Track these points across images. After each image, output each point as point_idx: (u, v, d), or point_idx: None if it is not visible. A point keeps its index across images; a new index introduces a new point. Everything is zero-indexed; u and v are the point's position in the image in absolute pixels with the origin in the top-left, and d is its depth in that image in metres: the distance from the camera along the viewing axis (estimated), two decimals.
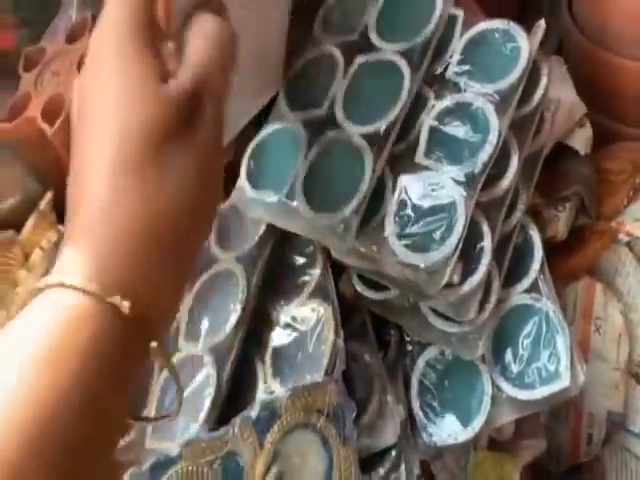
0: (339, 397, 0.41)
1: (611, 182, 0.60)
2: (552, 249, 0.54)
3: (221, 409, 0.44)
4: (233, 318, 0.47)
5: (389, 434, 0.45)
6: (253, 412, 0.40)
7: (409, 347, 0.50)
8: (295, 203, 0.46)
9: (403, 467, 0.45)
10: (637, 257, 0.58)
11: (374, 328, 0.50)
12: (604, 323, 0.56)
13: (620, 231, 0.57)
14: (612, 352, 0.56)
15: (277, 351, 0.45)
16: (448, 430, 0.47)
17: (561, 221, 0.55)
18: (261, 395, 0.43)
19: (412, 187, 0.45)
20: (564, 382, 0.46)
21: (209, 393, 0.43)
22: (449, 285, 0.44)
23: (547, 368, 0.46)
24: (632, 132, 0.66)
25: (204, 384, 0.44)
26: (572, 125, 0.58)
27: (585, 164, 0.58)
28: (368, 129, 0.46)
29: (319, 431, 0.40)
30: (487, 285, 0.46)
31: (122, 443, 0.45)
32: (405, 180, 0.46)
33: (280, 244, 0.51)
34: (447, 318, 0.47)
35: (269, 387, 0.43)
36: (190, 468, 0.38)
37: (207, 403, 0.43)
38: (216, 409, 0.43)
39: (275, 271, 0.50)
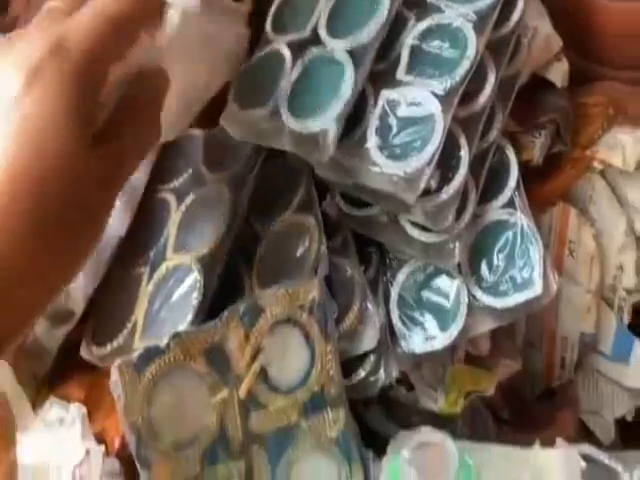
0: (321, 295, 0.43)
1: (586, 115, 0.61)
2: (528, 174, 0.56)
3: (208, 314, 0.46)
4: (219, 233, 0.48)
5: (369, 338, 0.46)
6: (240, 306, 0.41)
7: (389, 263, 0.52)
8: (280, 118, 0.47)
9: (382, 370, 0.47)
10: (609, 185, 0.60)
11: (356, 247, 0.52)
12: (577, 246, 0.58)
13: (594, 159, 0.59)
14: (584, 275, 0.58)
15: (264, 262, 0.47)
16: (426, 337, 0.48)
17: (537, 146, 0.56)
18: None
19: (393, 101, 0.47)
20: (537, 289, 0.48)
21: (196, 297, 0.45)
22: (427, 193, 0.46)
23: (521, 276, 0.48)
24: (608, 73, 0.67)
25: (191, 289, 0.45)
26: (549, 57, 0.60)
27: (562, 96, 0.60)
28: (350, 43, 0.47)
29: (301, 326, 0.42)
30: (464, 196, 0.48)
31: (109, 348, 0.46)
32: (386, 94, 0.47)
33: (266, 164, 0.52)
34: (425, 230, 0.49)
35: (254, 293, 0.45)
36: (178, 357, 0.40)
37: (194, 304, 0.44)
38: (203, 311, 0.45)
39: (261, 190, 0.52)
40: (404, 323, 0.49)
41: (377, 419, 0.52)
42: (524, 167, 0.55)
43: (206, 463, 0.40)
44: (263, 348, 0.41)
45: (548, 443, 0.48)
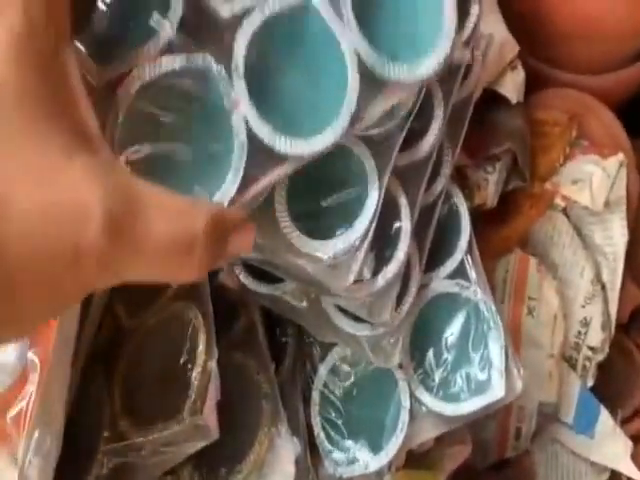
0: None
1: (546, 135, 0.51)
2: (480, 217, 0.45)
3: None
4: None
5: (282, 475, 0.34)
6: None
7: (310, 350, 0.40)
8: None
9: None
10: (574, 225, 0.49)
11: (267, 328, 0.40)
12: (538, 304, 0.48)
13: (556, 195, 0.48)
14: (546, 337, 0.48)
15: (129, 376, 0.34)
16: (356, 457, 0.37)
17: (490, 185, 0.45)
18: (105, 443, 0.31)
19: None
20: (498, 393, 0.37)
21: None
22: (358, 280, 0.34)
23: (477, 376, 0.37)
24: (567, 77, 0.56)
25: None
26: (502, 68, 0.48)
27: (517, 115, 0.49)
28: None
29: None
30: (406, 274, 0.36)
31: None
32: None
33: None
34: (356, 318, 0.37)
35: (118, 429, 0.32)
36: None
37: None
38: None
39: None
40: (328, 436, 0.38)
41: None
42: (474, 212, 0.44)
43: None
44: None
45: None
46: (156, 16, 0.28)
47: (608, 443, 0.50)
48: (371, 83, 0.30)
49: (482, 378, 0.37)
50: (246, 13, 0.28)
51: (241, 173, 0.28)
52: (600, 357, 0.51)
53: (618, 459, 0.49)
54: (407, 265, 0.36)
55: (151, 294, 0.37)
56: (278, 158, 0.29)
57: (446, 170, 0.39)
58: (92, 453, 0.33)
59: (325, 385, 0.39)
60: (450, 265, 0.40)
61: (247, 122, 0.28)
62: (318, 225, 0.33)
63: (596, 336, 0.50)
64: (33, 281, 0.20)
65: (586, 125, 0.51)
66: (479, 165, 0.46)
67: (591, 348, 0.50)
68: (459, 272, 0.40)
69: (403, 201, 0.36)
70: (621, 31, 0.56)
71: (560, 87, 0.55)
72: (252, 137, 0.28)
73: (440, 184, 0.39)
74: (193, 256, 0.23)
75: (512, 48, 0.48)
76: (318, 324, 0.38)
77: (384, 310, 0.35)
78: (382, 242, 0.35)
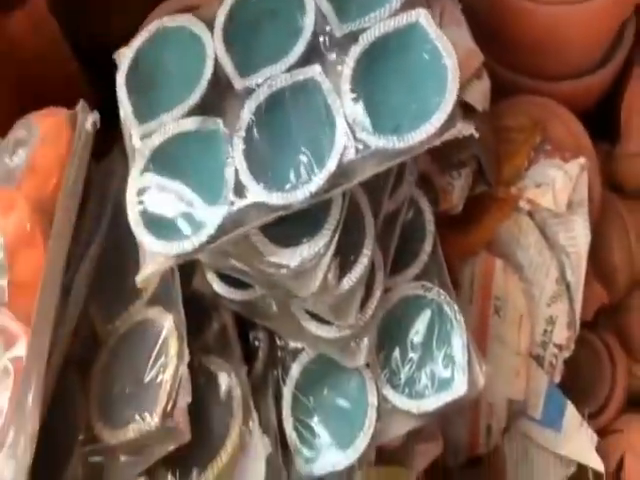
0: None
1: (511, 141, 0.52)
2: (446, 222, 0.46)
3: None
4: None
5: (254, 473, 0.36)
6: None
7: (281, 353, 0.41)
8: None
9: None
10: (539, 227, 0.51)
11: (238, 330, 0.41)
12: (504, 304, 0.49)
13: (521, 198, 0.50)
14: (513, 335, 0.50)
15: (103, 379, 0.35)
16: (327, 454, 0.38)
17: (456, 190, 0.47)
18: (79, 445, 0.32)
19: None
20: (460, 389, 0.38)
21: None
22: (324, 285, 0.35)
23: (441, 373, 0.39)
24: (532, 84, 0.58)
25: None
26: (468, 76, 0.50)
27: (482, 121, 0.50)
28: None
29: None
30: (370, 278, 0.38)
31: None
32: None
33: (110, 236, 0.40)
34: (323, 321, 0.38)
35: (92, 431, 0.33)
36: None
37: None
38: None
39: (105, 268, 0.39)
40: (300, 434, 0.39)
41: None
42: (439, 216, 0.45)
43: None
44: None
45: None
46: None
47: (575, 437, 0.51)
48: None
49: (446, 375, 0.39)
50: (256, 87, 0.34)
51: (221, 216, 0.33)
52: (566, 354, 0.52)
53: (584, 452, 0.51)
54: (371, 269, 0.38)
55: (125, 300, 0.38)
56: (263, 208, 0.33)
57: (410, 177, 0.41)
58: (67, 455, 0.34)
59: (297, 386, 0.40)
60: (415, 268, 0.41)
61: (237, 173, 0.33)
62: (284, 233, 0.35)
63: (562, 334, 0.51)
64: None
65: (550, 129, 0.53)
66: (445, 171, 0.47)
67: (557, 346, 0.52)
68: (424, 274, 0.41)
69: (367, 208, 0.37)
70: (584, 40, 0.58)
71: (525, 94, 0.57)
72: (240, 189, 0.33)
73: (404, 190, 0.40)
74: None
75: (477, 57, 0.50)
76: (288, 327, 0.40)
77: (349, 313, 0.36)
78: (346, 248, 0.36)
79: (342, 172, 0.32)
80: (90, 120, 0.37)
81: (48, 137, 0.35)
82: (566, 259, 0.51)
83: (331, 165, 0.32)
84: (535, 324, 0.51)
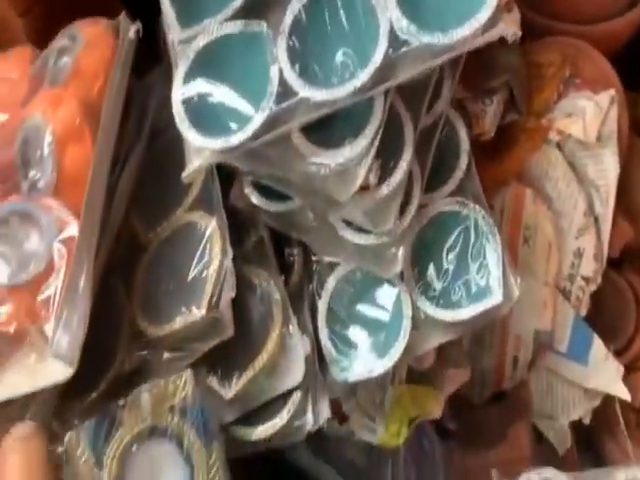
0: (195, 389, 0.31)
1: (541, 76, 0.52)
2: (479, 151, 0.47)
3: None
4: None
5: (293, 372, 0.36)
6: (87, 423, 0.30)
7: (315, 267, 0.42)
8: None
9: (310, 411, 0.37)
10: (567, 159, 0.51)
11: (274, 247, 0.42)
12: (533, 233, 0.50)
13: (551, 129, 0.50)
14: (541, 265, 0.50)
15: (147, 281, 0.36)
16: (362, 362, 0.39)
17: (488, 116, 0.47)
18: (125, 341, 0.33)
19: None
20: (496, 298, 0.39)
21: None
22: (363, 188, 0.36)
23: (476, 282, 0.39)
24: (562, 27, 0.58)
25: None
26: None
27: (513, 53, 0.50)
28: None
29: (173, 435, 0.31)
30: (408, 187, 0.38)
31: None
32: None
33: (154, 145, 0.40)
34: (360, 230, 0.39)
35: (137, 328, 0.34)
36: None
37: None
38: None
39: (146, 182, 0.40)
40: (335, 345, 0.40)
41: (302, 456, 0.43)
42: (473, 142, 0.45)
43: None
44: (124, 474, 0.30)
45: (502, 464, 0.40)
46: None
47: (601, 369, 0.52)
48: None
49: (481, 286, 0.39)
50: None
51: (266, 113, 0.33)
52: (593, 287, 0.53)
53: (611, 383, 0.51)
54: (409, 179, 0.38)
55: (166, 209, 0.38)
56: (307, 105, 0.33)
57: (446, 91, 0.41)
58: (113, 353, 0.35)
59: (332, 299, 0.41)
60: (450, 184, 0.42)
61: (282, 73, 0.33)
62: (326, 135, 0.35)
63: (589, 266, 0.52)
64: None
65: (579, 65, 0.53)
66: (477, 97, 0.47)
67: (584, 278, 0.52)
68: (459, 191, 0.42)
69: (406, 117, 0.38)
70: None
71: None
72: (284, 87, 0.33)
73: (441, 106, 0.41)
74: None
75: None
76: (325, 239, 0.40)
77: (387, 219, 0.37)
78: (386, 154, 0.36)
79: (386, 69, 0.33)
80: (133, 29, 0.37)
81: (92, 43, 0.36)
82: (595, 192, 0.52)
83: (376, 61, 0.32)
84: (563, 257, 0.52)
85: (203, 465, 0.30)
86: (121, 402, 0.30)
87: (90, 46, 0.36)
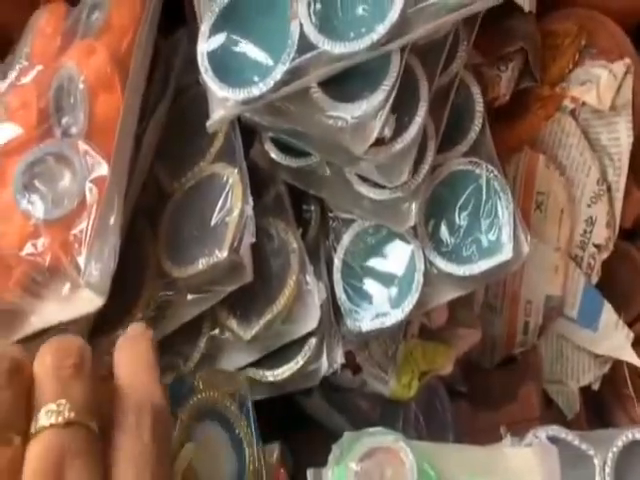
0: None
1: (556, 45, 0.53)
2: (493, 116, 0.48)
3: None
4: None
5: (309, 318, 0.38)
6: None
7: (332, 223, 0.43)
8: None
9: (324, 356, 0.39)
10: (581, 127, 0.52)
11: (292, 203, 0.43)
12: (546, 199, 0.51)
13: (565, 97, 0.51)
14: (553, 231, 0.51)
15: (172, 226, 0.37)
16: (375, 312, 0.40)
17: (503, 81, 0.48)
18: (151, 282, 0.35)
19: None
20: (506, 254, 0.40)
21: None
22: (378, 142, 0.37)
23: (487, 239, 0.40)
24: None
25: None
26: None
27: (529, 21, 0.51)
28: None
29: (228, 421, 0.32)
30: (422, 144, 0.39)
31: None
32: None
33: (178, 100, 0.42)
34: (375, 185, 0.40)
35: (162, 270, 0.36)
36: None
37: None
38: None
39: (171, 134, 0.42)
40: (349, 296, 0.41)
41: (317, 405, 0.45)
42: (487, 107, 0.46)
43: None
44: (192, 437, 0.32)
45: (511, 424, 0.41)
46: None
47: (611, 335, 0.53)
48: None
49: (492, 241, 0.40)
50: None
51: (287, 65, 0.34)
52: (604, 255, 0.54)
53: (621, 349, 0.52)
54: (423, 136, 0.40)
55: (190, 161, 0.40)
56: (326, 58, 0.34)
57: (461, 53, 0.42)
58: (139, 292, 0.37)
59: (347, 253, 0.42)
60: (464, 145, 0.43)
61: (302, 27, 0.34)
62: (344, 90, 0.37)
63: (601, 234, 0.53)
64: None
65: (595, 35, 0.54)
66: (493, 63, 0.48)
67: (596, 246, 0.53)
68: (472, 151, 0.43)
69: (421, 74, 0.39)
70: None
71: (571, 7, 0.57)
72: (304, 41, 0.34)
73: (456, 65, 0.42)
74: None
75: None
76: (341, 194, 0.42)
77: (402, 173, 0.38)
78: (401, 110, 0.38)
79: (403, 24, 0.34)
80: None
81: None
82: (608, 160, 0.52)
83: (393, 16, 0.34)
84: (575, 224, 0.53)
85: (253, 454, 0.31)
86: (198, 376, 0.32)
87: (121, 2, 0.37)
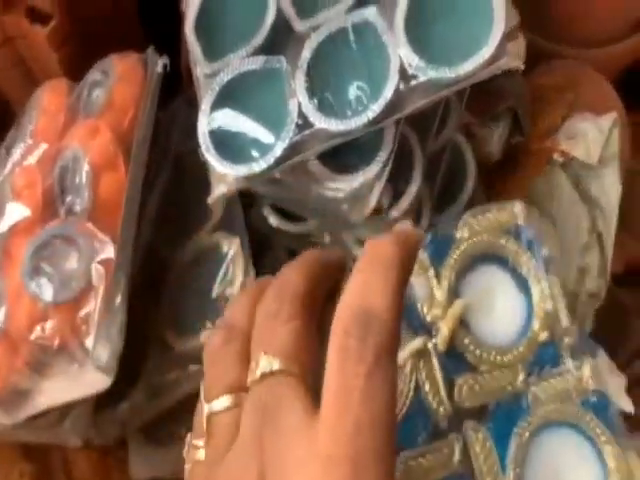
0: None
1: (545, 99, 0.55)
2: (485, 173, 0.49)
3: None
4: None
5: None
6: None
7: None
8: None
9: None
10: (572, 180, 0.53)
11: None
12: None
13: (554, 150, 0.52)
14: None
15: (174, 299, 0.38)
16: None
17: (494, 139, 0.49)
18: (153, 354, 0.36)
19: None
20: None
21: None
22: (376, 211, 0.38)
23: None
24: (565, 51, 0.61)
25: None
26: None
27: (518, 80, 0.53)
28: None
29: (506, 259, 0.31)
30: (417, 209, 0.41)
31: None
32: None
33: (177, 171, 0.43)
34: None
35: (165, 342, 0.36)
36: None
37: None
38: None
39: (171, 204, 0.43)
40: None
41: None
42: (479, 165, 0.48)
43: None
44: (458, 291, 0.31)
45: None
46: None
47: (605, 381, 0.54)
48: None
49: None
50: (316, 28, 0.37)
51: (286, 142, 0.35)
52: (597, 304, 0.55)
53: (615, 395, 0.53)
54: (419, 203, 0.41)
55: (189, 231, 0.41)
56: (324, 135, 0.35)
57: (453, 118, 0.43)
58: (142, 364, 0.37)
59: None
60: (458, 205, 0.44)
61: (300, 106, 0.35)
62: (341, 162, 0.38)
63: (594, 282, 0.54)
64: None
65: (582, 89, 0.55)
66: (484, 124, 0.50)
67: (589, 295, 0.54)
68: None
69: (416, 144, 0.40)
70: (614, 9, 0.60)
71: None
72: (302, 118, 0.35)
73: (448, 132, 0.43)
74: None
75: (512, 18, 0.52)
76: None
77: None
78: (396, 179, 0.39)
79: (396, 101, 0.35)
80: (160, 63, 0.40)
81: (124, 77, 0.39)
82: (598, 211, 0.54)
83: (387, 94, 0.35)
84: (567, 274, 0.54)
85: (540, 290, 0.30)
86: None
87: (122, 80, 0.38)
